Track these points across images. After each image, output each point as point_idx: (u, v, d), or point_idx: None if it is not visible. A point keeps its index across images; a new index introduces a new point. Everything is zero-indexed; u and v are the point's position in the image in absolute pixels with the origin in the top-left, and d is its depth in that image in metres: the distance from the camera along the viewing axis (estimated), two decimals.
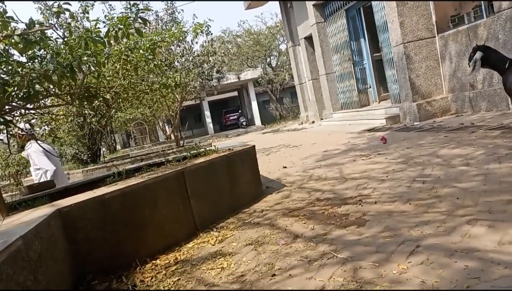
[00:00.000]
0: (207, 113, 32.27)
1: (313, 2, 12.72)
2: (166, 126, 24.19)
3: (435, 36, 8.59)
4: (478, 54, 4.36)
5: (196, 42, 25.69)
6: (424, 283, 2.06)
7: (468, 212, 2.91)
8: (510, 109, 6.89)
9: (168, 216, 3.45)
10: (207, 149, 4.86)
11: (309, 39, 14.73)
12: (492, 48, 4.63)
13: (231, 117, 34.96)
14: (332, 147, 7.48)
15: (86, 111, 8.66)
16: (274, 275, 2.53)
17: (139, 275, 2.92)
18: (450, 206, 3.12)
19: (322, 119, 14.45)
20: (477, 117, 7.13)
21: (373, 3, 9.92)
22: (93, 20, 3.99)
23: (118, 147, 22.64)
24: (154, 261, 3.15)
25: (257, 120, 31.67)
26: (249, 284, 2.47)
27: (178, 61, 11.78)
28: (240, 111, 35.89)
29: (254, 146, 4.74)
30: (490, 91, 7.42)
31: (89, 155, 10.38)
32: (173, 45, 10.89)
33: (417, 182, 3.95)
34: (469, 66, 4.84)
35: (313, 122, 15.62)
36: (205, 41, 13.35)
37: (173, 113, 12.16)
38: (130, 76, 6.49)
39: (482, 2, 7.55)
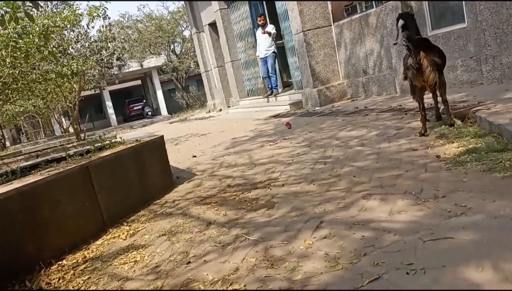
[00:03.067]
0: (109, 103, 30.60)
1: None
2: (63, 119, 22.47)
3: (331, 25, 9.13)
4: (400, 23, 4.10)
5: (93, 27, 24.02)
6: (327, 254, 2.25)
7: (364, 188, 3.22)
8: (397, 93, 7.63)
9: (73, 214, 3.30)
10: (113, 141, 4.69)
11: (213, 25, 14.66)
12: (413, 20, 4.27)
13: (135, 108, 33.53)
14: (240, 134, 7.65)
15: None
16: (189, 262, 2.57)
17: (44, 277, 2.78)
18: (348, 183, 3.42)
19: (229, 107, 14.61)
20: (370, 101, 7.79)
21: None
22: None
23: (7, 143, 20.49)
24: (60, 262, 3.02)
25: (163, 110, 30.91)
26: (164, 274, 2.49)
27: (72, 48, 10.93)
28: (144, 100, 34.57)
29: (162, 136, 4.69)
30: (380, 76, 8.13)
31: None
32: (66, 30, 10.04)
33: (320, 163, 4.24)
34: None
35: (220, 110, 15.72)
36: (103, 26, 12.61)
37: (70, 105, 11.32)
38: (20, 65, 5.95)
39: None
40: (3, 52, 4.72)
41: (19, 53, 4.71)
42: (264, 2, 11.55)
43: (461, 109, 4.72)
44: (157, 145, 4.53)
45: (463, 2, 6.26)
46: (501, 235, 2.03)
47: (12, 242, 2.86)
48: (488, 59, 5.87)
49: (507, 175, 2.75)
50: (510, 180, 2.65)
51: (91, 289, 2.54)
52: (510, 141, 3.35)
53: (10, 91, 7.34)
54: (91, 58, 11.39)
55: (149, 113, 31.55)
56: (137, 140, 4.45)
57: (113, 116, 30.69)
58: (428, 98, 4.51)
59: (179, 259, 2.66)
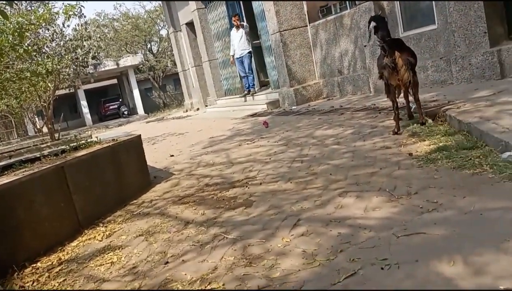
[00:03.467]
0: (84, 103, 29.96)
1: None
2: (37, 119, 21.86)
3: (307, 25, 9.23)
4: (372, 25, 4.29)
5: (68, 26, 23.54)
6: (305, 252, 2.28)
7: (340, 185, 3.28)
8: (371, 93, 7.77)
9: (47, 215, 3.23)
10: (88, 140, 4.62)
11: (190, 25, 14.60)
12: (384, 22, 4.41)
13: (111, 107, 32.89)
14: (218, 133, 7.64)
15: None
16: (167, 262, 2.56)
17: (17, 280, 2.72)
18: (324, 181, 3.46)
19: (206, 106, 14.56)
20: (345, 100, 7.90)
21: None
22: None
23: None
24: (34, 264, 2.96)
25: (140, 109, 30.52)
26: (142, 275, 2.47)
27: (47, 46, 10.72)
28: (120, 100, 33.98)
29: (139, 135, 4.65)
30: (355, 76, 8.26)
31: None
32: (41, 28, 9.85)
33: (297, 162, 4.29)
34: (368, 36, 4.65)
35: (197, 109, 15.65)
36: (78, 25, 12.40)
37: (45, 104, 11.06)
38: None
39: None
40: None
41: None
42: (241, 2, 11.56)
43: (432, 108, 4.84)
44: (135, 144, 4.48)
45: (433, 3, 6.43)
46: (471, 230, 2.10)
47: None
48: (458, 60, 6.04)
49: (476, 171, 2.84)
50: (479, 177, 2.75)
51: (67, 290, 2.51)
52: (478, 139, 3.47)
53: None
54: (66, 57, 11.18)
55: (125, 112, 31.02)
56: (113, 139, 4.39)
57: (88, 116, 30.09)
58: (400, 97, 4.61)
59: (157, 259, 2.65)
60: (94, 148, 4.08)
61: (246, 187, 3.80)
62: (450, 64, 6.23)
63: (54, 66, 9.32)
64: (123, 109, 31.35)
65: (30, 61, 7.55)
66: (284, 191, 3.45)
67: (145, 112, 29.50)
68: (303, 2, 9.14)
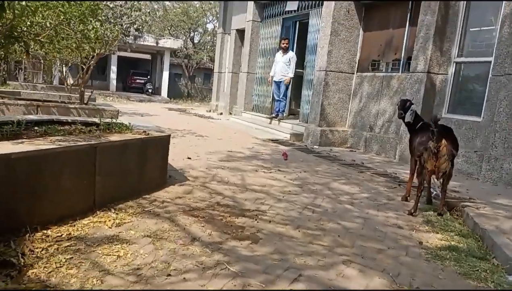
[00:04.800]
0: (114, 68, 30.53)
1: None
2: (68, 72, 21.99)
3: (353, 73, 9.38)
4: (415, 107, 4.88)
5: None
6: None
7: (346, 251, 3.35)
8: (395, 159, 7.84)
9: (69, 188, 3.33)
10: (115, 121, 4.70)
11: (240, 32, 14.84)
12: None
13: (138, 80, 33.46)
14: (237, 149, 7.75)
15: None
16: (169, 275, 2.64)
17: (28, 243, 2.81)
18: (331, 242, 3.54)
19: (231, 114, 14.70)
20: (367, 158, 7.98)
21: (310, 22, 10.42)
22: None
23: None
24: (45, 231, 3.05)
25: (164, 92, 30.87)
26: (144, 279, 2.55)
27: (104, 14, 10.87)
28: (148, 76, 34.47)
29: (169, 135, 4.76)
30: (384, 137, 8.36)
31: None
32: None
33: (308, 210, 4.37)
34: (400, 114, 4.95)
35: (221, 114, 15.79)
36: None
37: (83, 66, 11.26)
38: (60, 27, 6.07)
39: (402, 56, 8.42)
40: (49, 13, 4.80)
41: (62, 17, 4.77)
42: (297, 29, 11.75)
43: (452, 199, 4.91)
44: (163, 143, 4.60)
45: (485, 97, 6.53)
46: None
47: (9, 201, 2.87)
48: (491, 159, 6.12)
49: (480, 285, 2.92)
50: None
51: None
52: (489, 249, 3.54)
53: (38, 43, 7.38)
54: (117, 27, 11.36)
55: (149, 90, 31.39)
56: (144, 132, 4.50)
57: (113, 82, 30.62)
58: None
59: (160, 267, 2.72)
60: (126, 136, 4.19)
61: (256, 220, 3.87)
62: (482, 161, 6.31)
63: (105, 32, 9.48)
64: (148, 87, 31.73)
65: (85, 24, 7.74)
66: (291, 238, 3.52)
67: (168, 96, 29.78)
68: (358, 50, 9.29)
